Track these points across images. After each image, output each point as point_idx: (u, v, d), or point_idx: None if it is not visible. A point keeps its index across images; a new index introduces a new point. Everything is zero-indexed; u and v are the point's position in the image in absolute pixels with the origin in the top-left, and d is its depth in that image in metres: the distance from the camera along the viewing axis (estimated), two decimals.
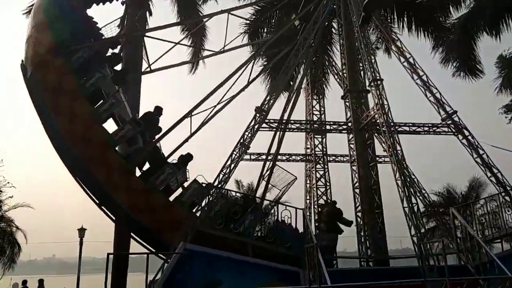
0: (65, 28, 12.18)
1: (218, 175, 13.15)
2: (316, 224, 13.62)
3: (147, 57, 14.66)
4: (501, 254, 11.10)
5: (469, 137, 13.32)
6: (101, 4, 14.13)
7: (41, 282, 15.92)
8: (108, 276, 9.23)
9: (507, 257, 10.59)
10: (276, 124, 14.44)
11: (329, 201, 14.35)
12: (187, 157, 12.79)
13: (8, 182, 17.87)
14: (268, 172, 13.28)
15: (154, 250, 10.92)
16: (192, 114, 13.08)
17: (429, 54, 19.46)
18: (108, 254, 8.12)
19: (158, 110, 13.09)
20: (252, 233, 11.09)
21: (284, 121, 13.91)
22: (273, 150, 14.25)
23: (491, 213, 12.16)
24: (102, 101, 12.13)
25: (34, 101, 11.75)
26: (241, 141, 13.91)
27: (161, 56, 14.15)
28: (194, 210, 11.80)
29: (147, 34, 14.82)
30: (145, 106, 15.65)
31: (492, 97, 20.77)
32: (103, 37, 13.81)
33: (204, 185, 12.07)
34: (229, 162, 13.38)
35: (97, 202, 11.49)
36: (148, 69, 14.41)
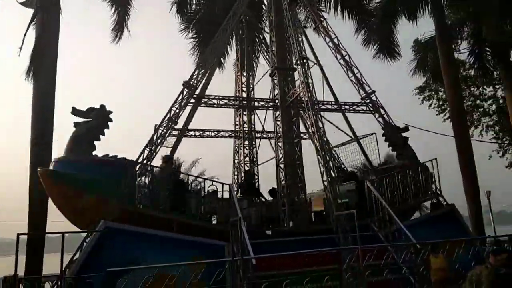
0: (117, 186, 10.31)
1: (143, 151, 12.77)
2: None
3: None
4: (408, 222, 12.21)
5: (384, 115, 14.29)
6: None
7: None
8: (21, 257, 8.64)
9: (414, 225, 11.72)
10: (205, 100, 14.27)
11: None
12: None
13: None
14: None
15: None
16: None
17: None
18: (18, 234, 7.55)
19: None
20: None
21: (207, 96, 13.88)
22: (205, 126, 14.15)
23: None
24: None
25: None
26: (168, 116, 13.57)
27: None
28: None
29: None
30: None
31: (408, 79, 22.39)
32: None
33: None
34: (155, 138, 13.02)
35: None
36: None
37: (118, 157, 10.98)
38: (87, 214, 9.94)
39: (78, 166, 10.41)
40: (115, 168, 10.72)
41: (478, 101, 25.19)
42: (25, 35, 14.75)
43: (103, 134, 11.34)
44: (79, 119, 11.24)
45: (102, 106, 11.51)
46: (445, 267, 9.06)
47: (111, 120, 11.57)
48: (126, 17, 17.26)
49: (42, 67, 14.20)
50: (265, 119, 15.25)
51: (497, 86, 24.82)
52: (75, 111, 11.18)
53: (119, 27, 16.90)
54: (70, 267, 9.03)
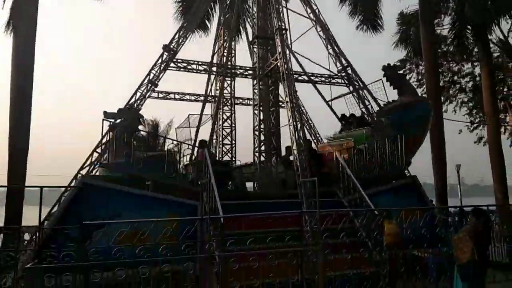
0: None
1: None
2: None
3: None
4: (372, 191, 12.95)
5: (359, 90, 14.76)
6: None
7: None
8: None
9: (377, 194, 12.47)
10: (185, 64, 14.47)
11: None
12: None
13: None
14: None
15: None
16: None
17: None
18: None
19: None
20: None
21: (186, 61, 14.09)
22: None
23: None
24: None
25: None
26: (148, 78, 13.81)
27: None
28: None
29: None
30: None
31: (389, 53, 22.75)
32: None
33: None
34: (133, 100, 13.32)
35: None
36: None
37: None
38: None
39: None
40: None
41: (455, 77, 25.79)
42: None
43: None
44: None
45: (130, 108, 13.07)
46: (397, 233, 9.86)
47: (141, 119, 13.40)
48: None
49: (22, 21, 14.12)
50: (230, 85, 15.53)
51: (476, 64, 25.34)
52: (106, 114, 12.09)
53: None
54: (48, 219, 9.58)
